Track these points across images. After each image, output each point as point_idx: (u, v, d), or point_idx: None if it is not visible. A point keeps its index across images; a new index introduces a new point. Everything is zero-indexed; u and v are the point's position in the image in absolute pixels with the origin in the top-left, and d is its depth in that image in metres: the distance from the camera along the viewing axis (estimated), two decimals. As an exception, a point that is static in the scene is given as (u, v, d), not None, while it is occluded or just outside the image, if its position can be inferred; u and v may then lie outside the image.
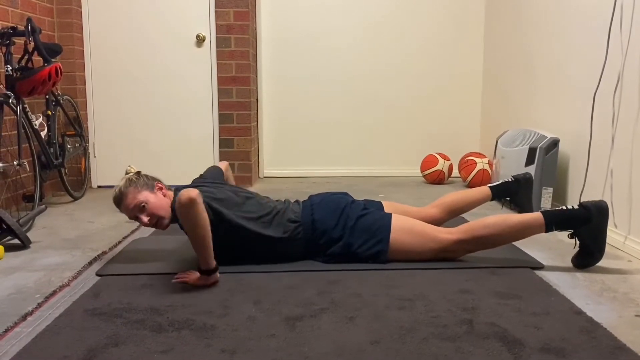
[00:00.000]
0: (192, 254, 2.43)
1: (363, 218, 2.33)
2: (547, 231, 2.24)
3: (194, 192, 1.98)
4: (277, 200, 2.47)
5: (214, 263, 2.06)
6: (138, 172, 2.34)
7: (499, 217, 2.31)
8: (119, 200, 2.27)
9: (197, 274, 2.07)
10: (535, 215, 2.25)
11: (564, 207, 2.27)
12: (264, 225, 2.27)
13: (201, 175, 2.56)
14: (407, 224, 2.32)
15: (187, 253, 2.47)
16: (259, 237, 2.26)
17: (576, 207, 2.24)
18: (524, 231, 2.27)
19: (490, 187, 2.73)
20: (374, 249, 2.28)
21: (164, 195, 2.31)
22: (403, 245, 2.29)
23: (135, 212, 2.25)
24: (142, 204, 2.23)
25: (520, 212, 2.94)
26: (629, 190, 2.55)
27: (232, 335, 1.64)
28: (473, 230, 2.28)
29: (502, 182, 2.76)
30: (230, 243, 2.25)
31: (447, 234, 2.30)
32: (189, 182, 2.46)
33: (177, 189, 2.31)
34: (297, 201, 2.47)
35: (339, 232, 2.31)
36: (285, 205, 2.39)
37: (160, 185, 2.33)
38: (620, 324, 1.73)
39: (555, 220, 2.23)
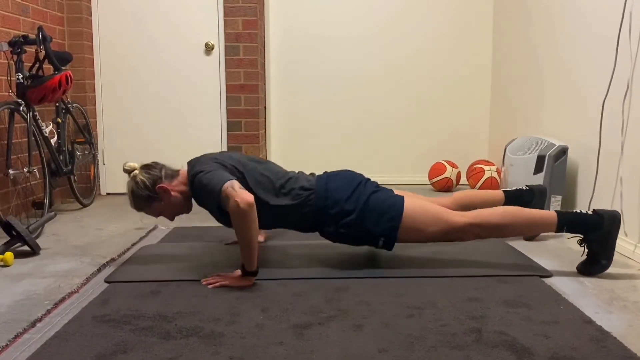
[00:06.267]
0: (201, 261, 2.44)
1: (375, 194, 2.33)
2: (557, 231, 2.25)
3: (250, 198, 2.05)
4: (290, 171, 2.47)
5: (256, 265, 2.14)
6: (134, 178, 2.33)
7: (513, 207, 2.32)
8: (138, 210, 2.42)
9: (234, 276, 2.16)
10: (549, 213, 2.27)
11: (578, 211, 2.28)
12: (275, 192, 2.30)
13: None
14: (419, 202, 2.33)
15: (195, 260, 2.47)
16: (268, 205, 2.27)
17: (590, 212, 2.25)
18: (535, 226, 2.28)
19: (504, 191, 2.74)
20: (386, 225, 2.27)
21: (172, 190, 2.33)
22: (414, 222, 2.27)
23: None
24: (160, 215, 2.41)
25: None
26: (639, 198, 2.53)
27: (240, 343, 1.64)
28: (486, 216, 2.28)
29: (517, 189, 2.76)
30: None
31: (460, 216, 2.29)
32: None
33: (191, 163, 2.35)
34: (312, 174, 2.49)
35: (351, 205, 2.29)
36: (298, 175, 2.41)
37: (162, 187, 2.32)
38: (630, 333, 1.72)
39: (567, 221, 2.24)
